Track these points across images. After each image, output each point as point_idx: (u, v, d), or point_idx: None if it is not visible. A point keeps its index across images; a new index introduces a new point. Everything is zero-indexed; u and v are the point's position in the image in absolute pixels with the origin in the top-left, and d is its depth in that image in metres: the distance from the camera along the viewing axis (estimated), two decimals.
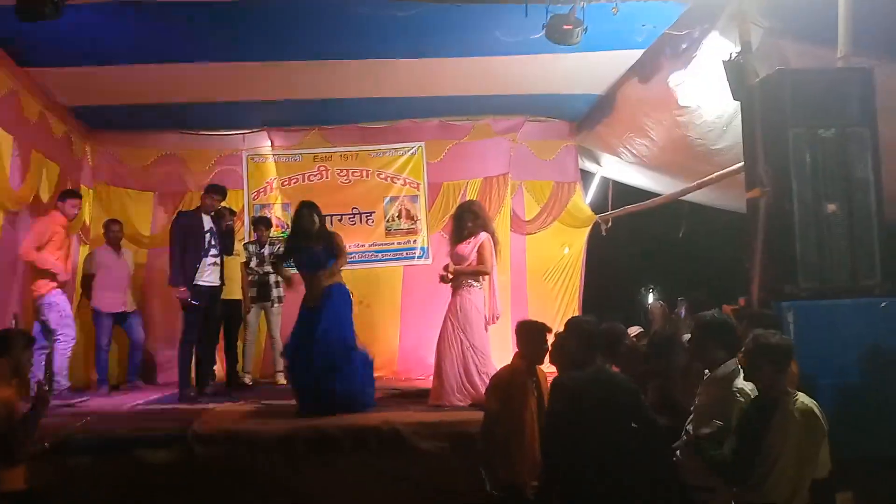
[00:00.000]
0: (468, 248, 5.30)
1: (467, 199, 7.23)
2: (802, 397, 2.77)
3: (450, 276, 5.28)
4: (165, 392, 6.13)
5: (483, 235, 5.31)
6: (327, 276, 5.02)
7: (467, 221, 5.34)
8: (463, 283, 5.25)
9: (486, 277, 5.33)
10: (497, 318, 5.39)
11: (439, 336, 5.28)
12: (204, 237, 5.73)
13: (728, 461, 2.76)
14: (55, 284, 5.64)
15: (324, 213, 7.07)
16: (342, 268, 5.17)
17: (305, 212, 5.17)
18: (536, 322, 3.78)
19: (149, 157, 7.36)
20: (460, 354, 5.13)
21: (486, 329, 5.30)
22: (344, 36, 5.47)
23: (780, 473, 2.67)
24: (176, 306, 5.84)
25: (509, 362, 3.84)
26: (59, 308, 5.63)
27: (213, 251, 5.81)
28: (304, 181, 7.45)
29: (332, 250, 5.09)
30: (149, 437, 4.34)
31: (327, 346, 4.83)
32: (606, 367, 3.42)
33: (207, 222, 5.81)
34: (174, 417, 4.85)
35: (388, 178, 7.52)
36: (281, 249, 6.54)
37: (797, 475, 2.67)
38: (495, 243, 5.37)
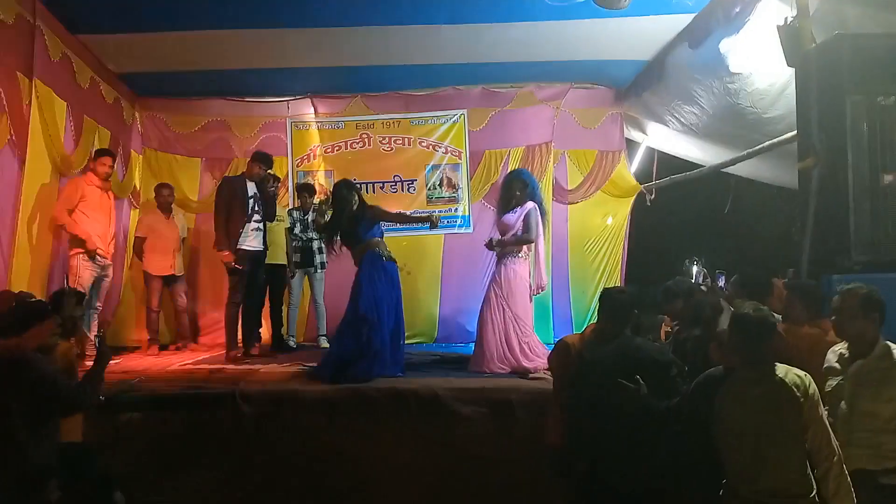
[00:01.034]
0: (514, 217, 5.32)
1: (509, 168, 7.22)
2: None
3: (496, 246, 5.30)
4: (213, 353, 6.31)
5: (530, 205, 5.32)
6: (361, 249, 5.18)
7: (515, 190, 5.35)
8: (508, 252, 5.28)
9: (533, 247, 5.34)
10: (543, 289, 5.42)
11: (482, 304, 5.34)
12: (248, 203, 5.84)
13: None
14: (80, 250, 5.67)
15: (365, 180, 7.31)
16: (382, 225, 5.32)
17: (344, 192, 5.28)
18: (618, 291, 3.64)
19: (196, 124, 7.48)
20: (502, 323, 5.18)
21: (530, 299, 5.33)
22: (387, 2, 5.44)
23: None
24: (222, 269, 5.97)
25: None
26: (75, 273, 5.65)
27: (257, 217, 5.92)
28: (346, 149, 7.50)
29: (370, 224, 5.21)
30: (197, 395, 4.49)
31: (345, 315, 5.02)
32: (636, 338, 3.39)
33: (251, 188, 5.92)
34: (222, 377, 4.99)
35: (430, 147, 7.51)
36: (324, 214, 6.69)
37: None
38: (542, 213, 5.38)
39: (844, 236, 3.84)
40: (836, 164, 3.90)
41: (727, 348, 2.97)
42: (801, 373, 2.85)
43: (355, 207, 5.23)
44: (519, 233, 5.29)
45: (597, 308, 3.54)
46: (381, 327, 4.95)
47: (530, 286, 5.30)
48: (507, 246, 5.29)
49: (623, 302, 3.36)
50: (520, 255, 5.29)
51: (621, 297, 3.39)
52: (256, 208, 5.93)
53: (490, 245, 5.40)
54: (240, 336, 5.99)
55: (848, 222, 3.85)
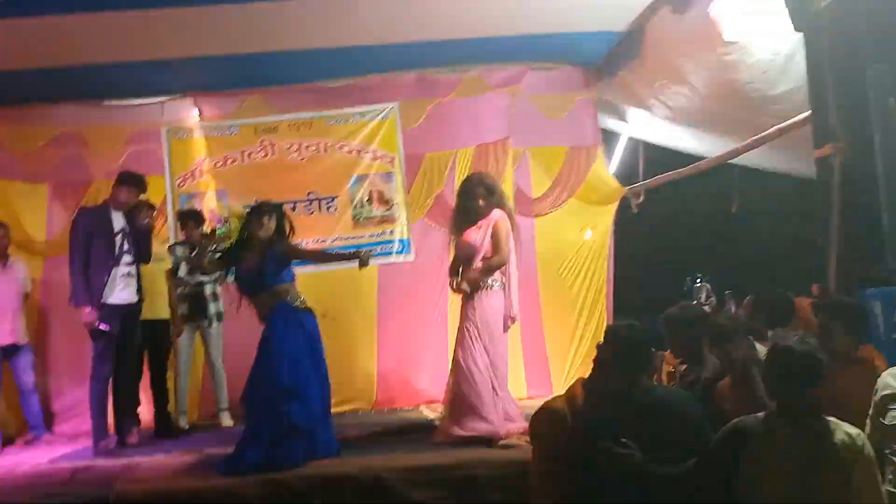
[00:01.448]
0: (479, 234, 5.31)
1: (457, 174, 7.24)
2: None
3: (466, 288, 5.27)
4: (77, 445, 6.12)
5: (497, 214, 5.33)
6: (268, 298, 5.12)
7: (478, 199, 5.35)
8: (480, 283, 5.27)
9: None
10: (513, 321, 5.44)
11: (457, 348, 5.29)
12: (114, 241, 5.75)
13: None
14: None
15: (273, 201, 7.15)
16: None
17: (265, 218, 5.20)
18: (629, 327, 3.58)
19: (39, 139, 7.27)
20: (479, 374, 5.13)
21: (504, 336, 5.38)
22: None
23: None
24: (83, 332, 5.83)
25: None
26: None
27: (127, 258, 5.85)
28: (243, 161, 7.42)
29: (280, 265, 5.13)
30: None
31: (259, 386, 4.94)
32: (658, 388, 3.38)
33: (119, 221, 5.83)
34: (90, 478, 4.85)
35: (354, 152, 7.49)
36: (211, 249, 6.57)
37: None
38: (512, 224, 5.42)
39: (877, 239, 3.95)
40: (861, 149, 4.02)
41: (758, 392, 2.95)
42: (853, 430, 2.85)
43: (266, 240, 5.14)
44: (488, 253, 5.28)
45: (598, 351, 3.41)
46: (309, 399, 4.88)
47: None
48: (478, 280, 5.25)
49: (638, 341, 3.25)
50: (494, 283, 5.27)
51: (636, 333, 3.27)
52: (126, 247, 5.85)
53: (458, 287, 5.34)
54: (112, 420, 5.88)
55: (880, 221, 3.96)
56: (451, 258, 5.60)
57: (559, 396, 3.51)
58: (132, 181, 5.95)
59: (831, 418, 2.88)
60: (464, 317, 5.31)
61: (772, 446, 2.86)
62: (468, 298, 5.30)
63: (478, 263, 5.28)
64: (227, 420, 6.63)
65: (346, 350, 7.09)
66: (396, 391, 7.19)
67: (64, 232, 6.51)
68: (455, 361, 5.28)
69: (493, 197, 5.39)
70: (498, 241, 5.25)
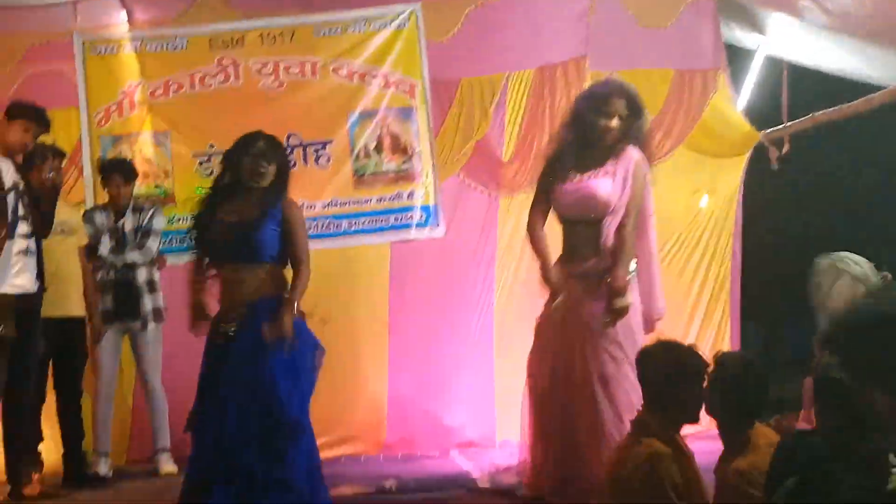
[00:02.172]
0: (610, 182, 5.23)
1: (507, 107, 7.28)
2: None
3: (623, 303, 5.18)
4: None
5: (634, 155, 5.28)
6: (270, 278, 5.03)
7: (610, 118, 5.23)
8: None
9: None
10: (660, 317, 5.55)
11: (590, 380, 5.15)
12: (4, 202, 5.80)
13: None
14: None
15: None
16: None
17: (262, 146, 5.09)
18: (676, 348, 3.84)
19: None
20: (613, 399, 5.06)
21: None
22: None
23: None
24: None
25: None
26: None
27: (23, 227, 5.90)
28: (192, 87, 7.45)
29: (279, 233, 5.03)
30: None
31: (264, 402, 4.86)
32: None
33: (10, 173, 5.89)
34: None
35: (355, 77, 7.50)
36: (155, 221, 6.62)
37: None
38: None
39: None
40: None
41: None
42: None
43: (264, 192, 5.06)
44: (619, 214, 5.21)
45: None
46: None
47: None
48: (596, 269, 5.21)
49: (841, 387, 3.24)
50: (632, 267, 5.31)
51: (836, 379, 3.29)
52: (20, 212, 5.89)
53: (617, 304, 5.15)
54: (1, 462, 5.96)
55: None
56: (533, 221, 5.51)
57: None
58: (27, 115, 5.96)
59: None
60: (571, 315, 5.21)
61: None
62: (587, 292, 5.21)
63: (611, 233, 5.20)
64: (167, 465, 6.64)
65: (344, 367, 7.03)
66: (415, 428, 7.19)
67: None
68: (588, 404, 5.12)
69: (638, 119, 5.33)
70: (635, 193, 5.22)
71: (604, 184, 5.21)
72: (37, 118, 5.99)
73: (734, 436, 3.89)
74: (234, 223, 4.98)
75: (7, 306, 5.78)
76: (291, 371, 4.93)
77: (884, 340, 3.46)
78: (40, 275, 6.02)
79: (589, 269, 5.20)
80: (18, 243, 5.84)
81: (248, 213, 5.00)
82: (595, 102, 5.33)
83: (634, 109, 5.29)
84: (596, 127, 5.23)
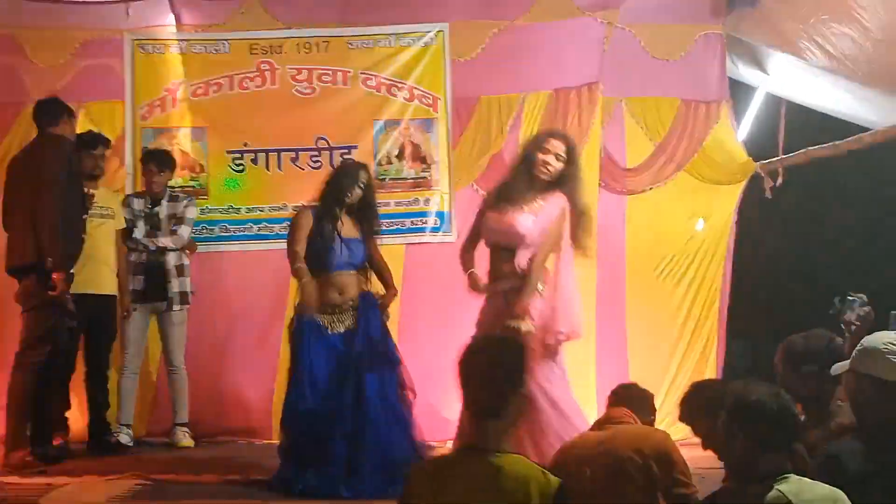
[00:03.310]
0: (531, 220, 5.39)
1: (522, 127, 7.34)
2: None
3: (482, 287, 5.47)
4: None
5: (560, 201, 5.43)
6: (361, 280, 5.80)
7: (548, 154, 5.41)
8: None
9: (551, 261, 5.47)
10: (574, 335, 5.47)
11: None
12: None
13: None
14: None
15: (264, 147, 7.48)
16: None
17: (362, 176, 5.77)
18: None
19: None
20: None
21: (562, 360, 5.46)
22: None
23: None
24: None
25: None
26: None
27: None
28: (232, 88, 7.57)
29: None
30: None
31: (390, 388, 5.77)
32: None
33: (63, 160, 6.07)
34: None
35: (383, 88, 7.59)
36: (189, 210, 6.74)
37: None
38: (578, 218, 5.51)
39: None
40: None
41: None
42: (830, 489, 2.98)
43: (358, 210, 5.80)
44: (535, 246, 5.38)
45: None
46: None
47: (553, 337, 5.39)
48: (513, 288, 5.36)
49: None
50: (541, 289, 5.42)
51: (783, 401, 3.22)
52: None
53: (476, 285, 5.52)
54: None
55: None
56: (465, 244, 5.77)
57: None
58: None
59: (801, 479, 3.06)
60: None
61: None
62: (490, 301, 5.48)
63: (523, 261, 5.36)
64: (184, 439, 6.80)
65: None
66: (420, 419, 7.18)
67: None
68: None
69: (570, 168, 5.47)
70: (551, 236, 5.38)
71: (524, 219, 5.37)
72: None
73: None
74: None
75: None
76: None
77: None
78: None
79: (507, 288, 5.38)
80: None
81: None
82: (538, 140, 5.59)
83: (570, 156, 5.47)
84: (536, 161, 5.42)
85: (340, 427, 5.40)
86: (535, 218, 5.40)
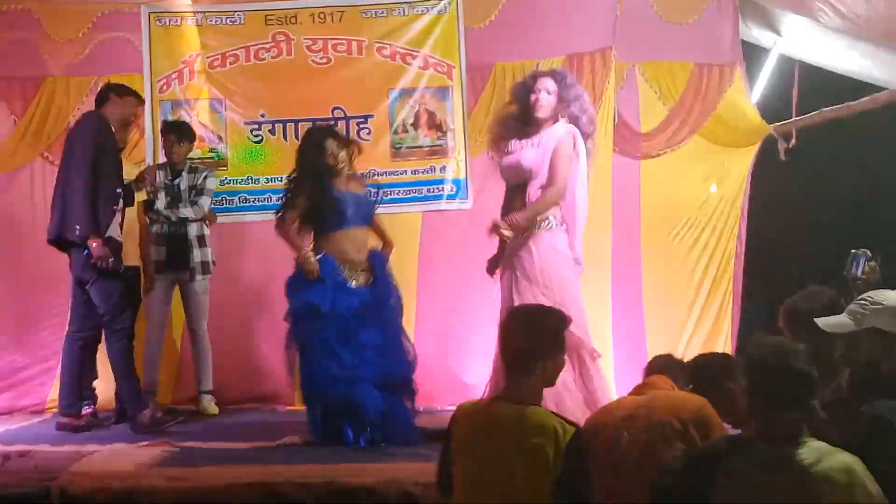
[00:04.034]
0: (534, 154, 5.51)
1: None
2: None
3: (507, 233, 5.50)
4: (11, 424, 6.52)
5: (562, 130, 5.54)
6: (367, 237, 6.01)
7: (538, 93, 5.55)
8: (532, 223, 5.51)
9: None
10: (579, 264, 5.67)
11: (502, 309, 5.48)
12: (121, 162, 6.27)
13: None
14: None
15: (281, 117, 7.50)
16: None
17: (326, 143, 5.87)
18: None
19: None
20: None
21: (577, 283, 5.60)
22: None
23: None
24: (26, 275, 6.48)
25: None
26: None
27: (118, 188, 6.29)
28: (248, 60, 7.58)
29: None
30: None
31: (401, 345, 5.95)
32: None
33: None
34: (27, 467, 5.03)
35: (397, 57, 7.60)
36: (209, 181, 6.76)
37: None
38: (587, 146, 5.65)
39: None
40: None
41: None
42: (848, 460, 2.96)
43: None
44: (543, 180, 5.50)
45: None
46: None
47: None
48: (525, 225, 5.47)
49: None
50: (552, 220, 5.51)
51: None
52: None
53: (497, 230, 5.54)
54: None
55: None
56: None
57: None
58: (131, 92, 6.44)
59: (820, 444, 3.03)
60: (508, 265, 5.57)
61: (742, 477, 3.08)
62: (517, 242, 5.53)
63: (534, 194, 5.50)
64: (210, 406, 6.89)
65: None
66: (438, 384, 7.26)
67: (7, 142, 7.08)
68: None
69: (566, 98, 5.58)
70: (555, 165, 5.46)
71: (527, 154, 5.54)
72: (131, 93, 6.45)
73: None
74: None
75: (117, 250, 6.19)
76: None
77: None
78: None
79: (518, 220, 5.50)
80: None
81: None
82: (526, 81, 5.78)
83: (564, 87, 5.59)
84: (526, 101, 5.60)
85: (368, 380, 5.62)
86: (536, 151, 5.53)
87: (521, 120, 5.71)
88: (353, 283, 5.78)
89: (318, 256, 5.70)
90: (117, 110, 6.30)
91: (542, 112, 5.58)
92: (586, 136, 5.66)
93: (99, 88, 6.63)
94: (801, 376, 3.12)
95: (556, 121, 5.60)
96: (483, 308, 6.48)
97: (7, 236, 7.36)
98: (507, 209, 5.68)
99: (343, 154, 5.86)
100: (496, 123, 6.03)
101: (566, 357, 4.26)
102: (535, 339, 3.52)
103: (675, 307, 7.56)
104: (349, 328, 5.64)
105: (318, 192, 5.74)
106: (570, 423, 3.39)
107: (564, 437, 3.28)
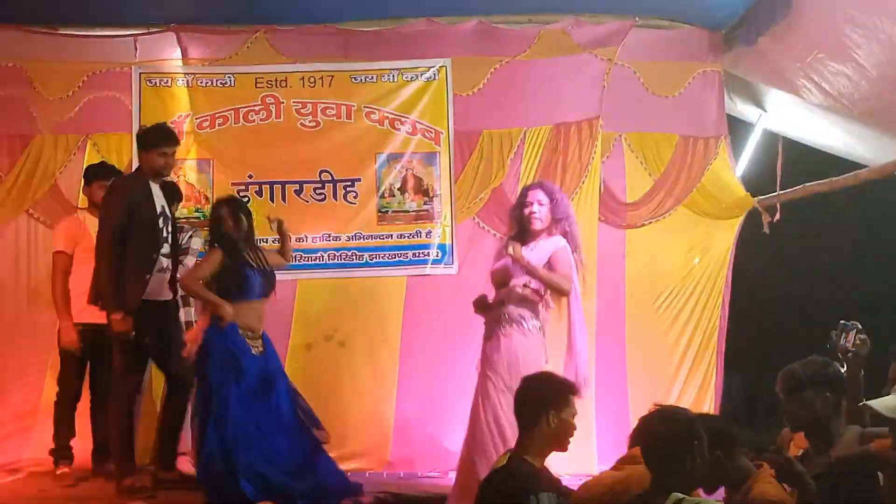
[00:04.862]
0: (535, 253, 5.63)
1: (523, 161, 7.44)
2: None
3: (511, 252, 5.59)
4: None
5: (560, 241, 5.66)
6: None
7: (530, 206, 5.72)
8: (513, 314, 5.56)
9: (564, 317, 5.70)
10: (585, 388, 5.55)
11: (475, 400, 5.53)
12: (157, 223, 6.15)
13: None
14: None
15: (272, 178, 7.47)
16: None
17: (237, 213, 6.05)
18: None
19: None
20: (498, 434, 5.27)
21: None
22: None
23: None
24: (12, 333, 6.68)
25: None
26: None
27: (165, 248, 6.26)
28: (237, 121, 7.59)
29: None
30: None
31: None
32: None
33: (159, 198, 6.25)
34: None
35: (386, 122, 7.62)
36: (193, 241, 6.77)
37: None
38: (577, 263, 5.75)
39: None
40: None
41: None
42: None
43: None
44: (528, 281, 5.60)
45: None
46: None
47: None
48: (525, 265, 5.55)
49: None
50: (529, 321, 5.59)
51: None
52: (165, 234, 6.25)
53: (482, 305, 5.74)
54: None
55: None
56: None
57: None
58: (166, 136, 6.28)
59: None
60: (484, 359, 5.64)
61: None
62: (489, 337, 5.64)
63: (518, 286, 5.60)
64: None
65: (357, 387, 7.28)
66: (418, 449, 7.25)
67: None
68: (472, 417, 5.57)
69: (558, 212, 5.76)
70: (556, 267, 5.62)
71: (527, 254, 5.65)
72: (175, 140, 6.36)
73: None
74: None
75: (147, 315, 6.08)
76: None
77: None
78: (173, 289, 6.34)
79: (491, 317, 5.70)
80: (160, 262, 6.19)
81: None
82: (519, 198, 6.00)
83: (555, 204, 5.79)
84: (522, 215, 5.78)
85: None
86: (531, 254, 5.65)
87: (518, 237, 5.81)
88: (255, 351, 5.93)
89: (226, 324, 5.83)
90: (147, 163, 6.25)
91: (536, 224, 5.72)
92: (576, 249, 5.78)
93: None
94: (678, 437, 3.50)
95: (550, 234, 5.72)
96: (466, 373, 6.48)
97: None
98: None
99: (244, 223, 6.02)
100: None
101: None
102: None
103: (658, 377, 7.53)
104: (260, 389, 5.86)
105: (226, 263, 5.90)
106: None
107: None
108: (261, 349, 5.96)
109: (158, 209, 6.17)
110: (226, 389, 5.71)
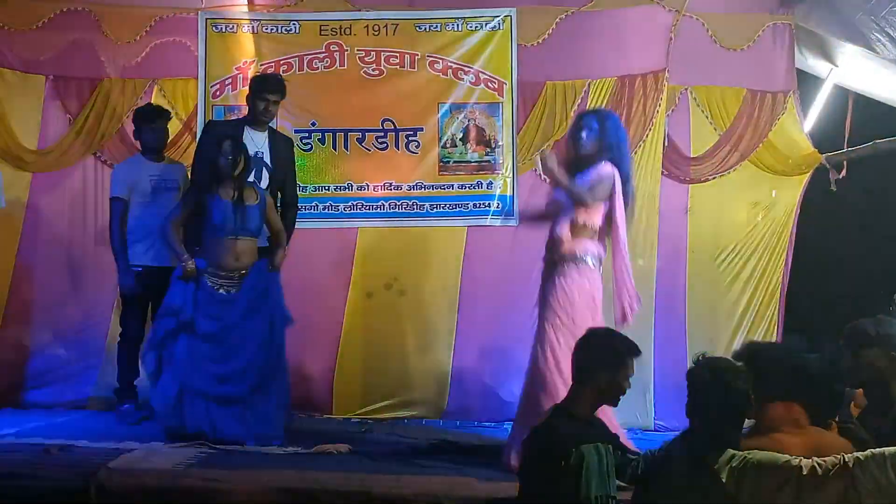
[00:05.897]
0: (581, 178, 5.59)
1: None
2: None
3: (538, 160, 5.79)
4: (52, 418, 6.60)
5: (605, 169, 5.58)
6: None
7: (581, 130, 5.68)
8: (567, 253, 5.51)
9: (607, 245, 5.63)
10: (634, 310, 5.57)
11: (535, 344, 5.51)
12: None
13: None
14: None
15: (331, 127, 7.55)
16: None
17: (237, 150, 6.11)
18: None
19: (39, 16, 7.58)
20: (556, 370, 5.30)
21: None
22: None
23: None
24: (74, 276, 6.82)
25: None
26: None
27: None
28: (301, 69, 7.63)
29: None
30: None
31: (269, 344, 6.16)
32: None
33: (260, 141, 6.59)
34: (68, 460, 5.17)
35: (449, 72, 7.63)
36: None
37: None
38: (626, 191, 5.66)
39: None
40: None
41: None
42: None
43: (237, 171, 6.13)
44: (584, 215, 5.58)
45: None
46: None
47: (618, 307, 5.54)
48: (553, 175, 5.59)
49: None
50: (588, 258, 5.53)
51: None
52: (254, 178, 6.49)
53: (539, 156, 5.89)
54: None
55: None
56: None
57: None
58: (273, 85, 6.58)
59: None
60: (540, 301, 5.61)
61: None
62: (547, 274, 5.60)
63: (568, 221, 5.55)
64: None
65: (415, 336, 7.38)
66: (475, 399, 7.32)
67: (62, 142, 7.25)
68: (531, 359, 5.53)
69: (604, 140, 5.66)
70: (591, 186, 5.55)
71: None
72: (279, 87, 6.61)
73: None
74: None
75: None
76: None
77: None
78: None
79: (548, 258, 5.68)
80: None
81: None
82: (573, 123, 5.98)
83: (602, 125, 5.71)
84: (573, 138, 5.76)
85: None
86: (581, 177, 5.62)
87: (572, 164, 5.74)
88: (222, 290, 6.08)
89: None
90: (249, 107, 6.60)
91: (582, 149, 5.66)
92: (626, 180, 5.69)
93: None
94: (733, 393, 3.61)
95: (600, 160, 5.63)
96: (523, 325, 6.53)
97: (57, 233, 7.45)
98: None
99: (240, 159, 6.10)
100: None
101: None
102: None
103: (718, 332, 7.49)
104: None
105: (201, 198, 6.09)
106: None
107: None
108: (233, 288, 6.10)
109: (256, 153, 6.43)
110: (173, 338, 5.97)
